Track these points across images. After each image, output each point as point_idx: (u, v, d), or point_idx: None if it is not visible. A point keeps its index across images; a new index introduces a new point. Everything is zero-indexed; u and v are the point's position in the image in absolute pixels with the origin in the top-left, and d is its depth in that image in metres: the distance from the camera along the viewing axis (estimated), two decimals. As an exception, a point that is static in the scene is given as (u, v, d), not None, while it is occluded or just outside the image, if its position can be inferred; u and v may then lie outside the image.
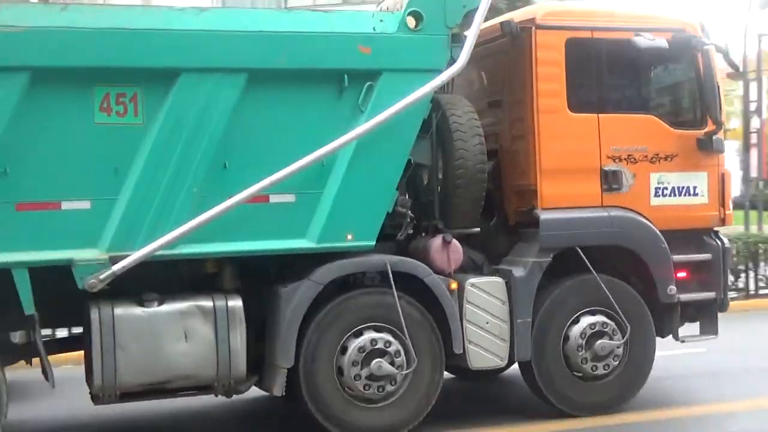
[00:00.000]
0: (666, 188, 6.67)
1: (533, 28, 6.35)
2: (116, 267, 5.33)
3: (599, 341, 6.41)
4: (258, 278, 5.94)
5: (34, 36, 5.21)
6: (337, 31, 5.77)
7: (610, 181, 6.47)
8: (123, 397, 5.57)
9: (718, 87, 6.61)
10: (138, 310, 5.48)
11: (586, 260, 6.34)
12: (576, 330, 6.39)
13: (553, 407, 6.47)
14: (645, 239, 6.54)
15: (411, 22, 5.87)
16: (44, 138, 5.28)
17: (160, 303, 5.54)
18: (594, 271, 6.35)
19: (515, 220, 6.68)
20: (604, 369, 6.46)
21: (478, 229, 6.42)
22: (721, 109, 6.64)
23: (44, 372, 5.66)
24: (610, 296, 6.41)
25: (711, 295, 6.82)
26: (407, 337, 5.89)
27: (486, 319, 6.14)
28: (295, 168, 5.60)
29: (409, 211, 6.11)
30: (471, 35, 5.96)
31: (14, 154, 5.22)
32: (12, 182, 5.22)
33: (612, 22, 6.60)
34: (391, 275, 5.87)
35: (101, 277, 5.32)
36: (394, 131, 5.85)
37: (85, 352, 5.66)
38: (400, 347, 5.91)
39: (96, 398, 5.60)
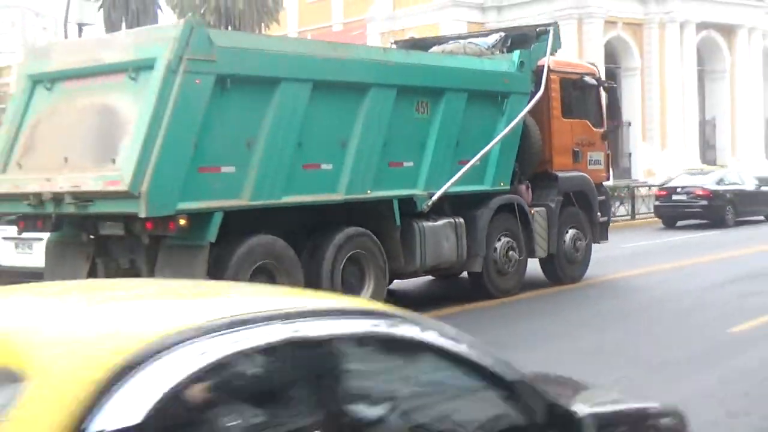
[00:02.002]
0: (591, 160, 13.38)
1: (549, 72, 12.49)
2: (434, 197, 10.10)
3: (578, 242, 12.87)
4: (454, 208, 11.04)
5: (399, 68, 9.75)
6: (495, 70, 11.23)
7: (575, 156, 12.95)
8: (424, 273, 10.35)
9: (620, 106, 13.57)
10: (431, 223, 10.29)
11: (573, 199, 12.73)
12: (568, 236, 12.74)
13: (558, 278, 12.70)
14: (590, 188, 13.14)
15: (520, 66, 11.57)
16: (392, 125, 9.79)
17: (436, 220, 10.42)
18: (576, 205, 12.77)
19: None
20: (579, 256, 12.93)
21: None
22: (621, 118, 13.58)
23: None
24: (582, 219, 12.92)
25: (606, 218, 13.78)
26: (521, 239, 11.61)
27: (540, 230, 12.13)
28: (490, 146, 10.89)
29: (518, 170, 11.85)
30: (545, 74, 11.83)
31: (390, 136, 9.70)
32: (386, 150, 9.69)
33: (574, 69, 13.09)
34: (516, 208, 11.52)
35: (429, 203, 10.07)
36: (515, 127, 11.49)
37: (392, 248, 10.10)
38: (516, 245, 11.61)
39: (413, 274, 10.25)
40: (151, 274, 8.00)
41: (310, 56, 8.72)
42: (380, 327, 2.31)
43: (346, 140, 9.17)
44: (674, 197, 22.28)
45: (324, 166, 8.97)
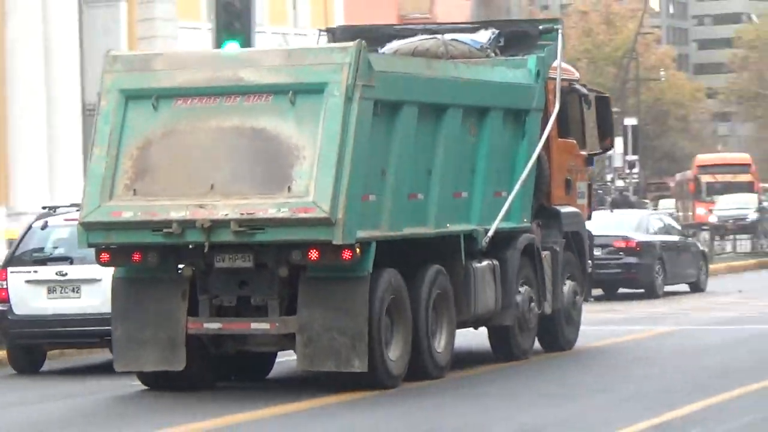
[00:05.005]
0: (579, 192, 24.19)
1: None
2: (489, 233, 19.65)
3: (576, 297, 23.12)
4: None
5: (466, 85, 19.44)
6: (522, 82, 21.31)
7: (567, 186, 23.61)
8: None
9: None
10: (479, 265, 19.59)
11: (572, 242, 23.49)
12: (567, 290, 22.46)
13: (557, 343, 22.56)
14: (585, 228, 23.48)
15: (536, 76, 21.79)
16: (456, 150, 19.97)
17: (480, 262, 20.43)
18: (573, 251, 23.43)
19: None
20: (575, 315, 23.22)
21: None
22: (614, 137, 24.87)
23: None
24: (576, 268, 23.35)
25: (591, 268, 25.06)
26: (537, 290, 21.30)
27: (547, 280, 22.24)
28: (526, 173, 20.97)
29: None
30: (557, 86, 22.24)
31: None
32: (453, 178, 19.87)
33: (564, 74, 23.71)
34: (535, 251, 21.66)
35: (486, 240, 19.89)
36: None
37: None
38: (534, 296, 21.73)
39: (461, 325, 20.24)
40: (286, 310, 17.00)
41: (441, 78, 18.28)
42: None
43: (430, 167, 18.21)
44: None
45: (419, 196, 17.85)
